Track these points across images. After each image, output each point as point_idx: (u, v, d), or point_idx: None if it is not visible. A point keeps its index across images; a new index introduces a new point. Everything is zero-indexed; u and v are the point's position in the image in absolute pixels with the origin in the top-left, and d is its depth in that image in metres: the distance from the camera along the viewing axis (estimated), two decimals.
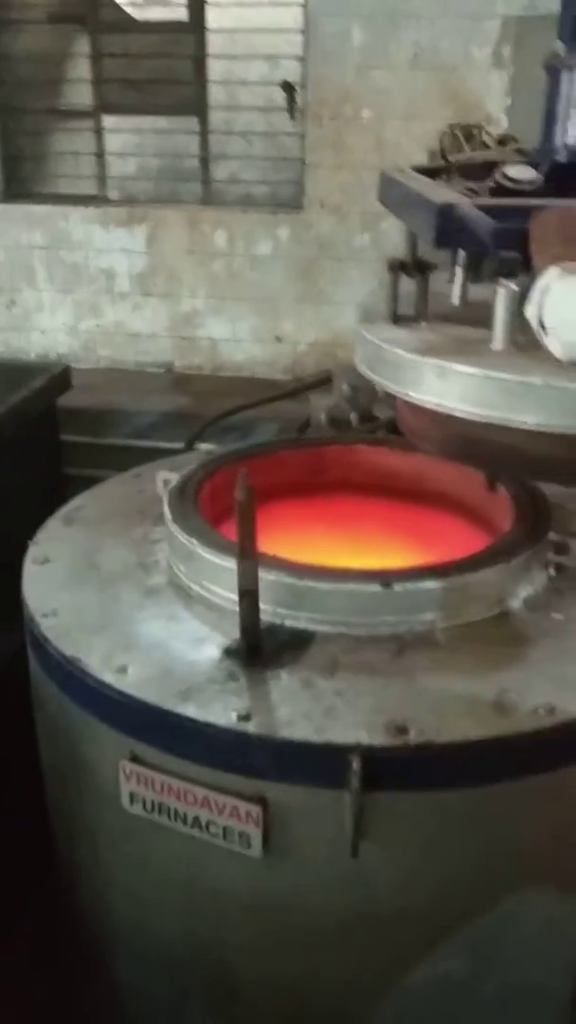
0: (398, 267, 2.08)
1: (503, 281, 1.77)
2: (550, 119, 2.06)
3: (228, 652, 1.77)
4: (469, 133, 3.03)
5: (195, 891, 1.77)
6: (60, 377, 3.52)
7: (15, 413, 3.18)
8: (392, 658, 1.76)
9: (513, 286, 1.76)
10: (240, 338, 4.57)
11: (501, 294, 1.77)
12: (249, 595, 1.68)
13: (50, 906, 2.49)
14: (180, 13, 4.34)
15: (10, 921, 2.67)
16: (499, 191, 2.03)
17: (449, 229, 1.89)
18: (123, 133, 4.87)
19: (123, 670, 1.73)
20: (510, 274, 1.79)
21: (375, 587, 1.80)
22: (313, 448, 2.61)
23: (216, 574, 1.90)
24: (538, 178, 2.02)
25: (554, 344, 1.59)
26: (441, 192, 2.11)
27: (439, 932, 1.72)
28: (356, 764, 1.50)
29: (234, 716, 1.60)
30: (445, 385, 1.78)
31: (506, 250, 1.82)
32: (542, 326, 1.61)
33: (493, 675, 1.71)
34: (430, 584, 1.82)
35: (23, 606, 2.04)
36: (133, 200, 4.69)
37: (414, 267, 2.06)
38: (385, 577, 1.82)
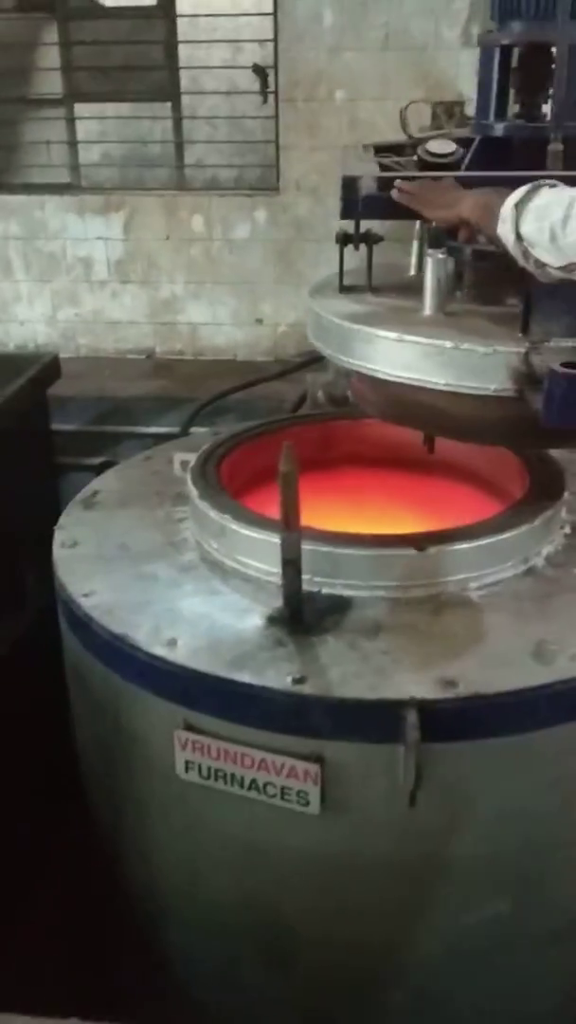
0: (343, 239, 2.15)
1: (431, 251, 1.89)
2: (483, 94, 2.15)
3: (272, 620, 1.83)
4: (451, 111, 3.13)
5: (251, 854, 1.83)
6: (50, 366, 3.53)
7: (10, 404, 3.19)
8: (431, 617, 1.83)
9: (440, 255, 1.87)
10: (220, 322, 4.59)
11: (430, 263, 1.88)
12: (292, 565, 1.74)
13: (84, 879, 2.54)
14: None
15: (44, 896, 2.71)
16: (422, 165, 2.14)
17: (351, 200, 2.04)
18: (86, 121, 4.84)
19: (173, 643, 1.78)
20: (438, 244, 1.91)
21: (410, 551, 1.87)
22: (320, 424, 2.67)
23: (251, 548, 1.96)
24: (457, 151, 2.12)
25: (542, 253, 1.64)
26: (358, 167, 2.20)
27: (490, 877, 1.80)
28: (412, 717, 1.57)
29: (289, 680, 1.65)
30: (370, 349, 1.89)
31: (377, 216, 2.04)
32: (519, 238, 1.66)
33: (528, 628, 1.79)
34: (462, 546, 1.89)
35: (58, 588, 2.07)
36: (106, 188, 4.67)
37: (360, 239, 2.14)
38: (419, 542, 1.89)
